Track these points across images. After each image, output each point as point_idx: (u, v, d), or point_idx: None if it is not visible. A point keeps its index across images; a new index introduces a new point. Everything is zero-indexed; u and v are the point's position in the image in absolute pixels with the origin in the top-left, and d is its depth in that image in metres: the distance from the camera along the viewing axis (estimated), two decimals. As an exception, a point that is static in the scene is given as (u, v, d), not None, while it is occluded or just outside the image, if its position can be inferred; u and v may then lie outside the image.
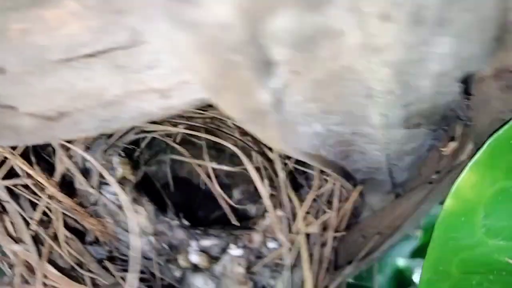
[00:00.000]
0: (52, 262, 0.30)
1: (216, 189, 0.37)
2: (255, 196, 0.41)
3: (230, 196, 0.44)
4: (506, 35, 0.22)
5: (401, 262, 0.84)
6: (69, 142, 0.30)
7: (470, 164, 0.22)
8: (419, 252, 0.77)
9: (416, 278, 0.89)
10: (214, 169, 0.40)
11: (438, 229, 0.23)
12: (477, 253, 0.22)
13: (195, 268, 0.34)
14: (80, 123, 0.20)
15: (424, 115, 0.26)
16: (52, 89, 0.18)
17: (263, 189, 0.34)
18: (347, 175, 0.35)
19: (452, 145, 0.30)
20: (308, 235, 0.37)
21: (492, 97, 0.26)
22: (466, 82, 0.26)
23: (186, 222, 0.37)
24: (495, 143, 0.22)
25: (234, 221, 0.39)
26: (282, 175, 0.37)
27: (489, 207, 0.22)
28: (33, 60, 0.17)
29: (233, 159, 0.45)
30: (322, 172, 0.36)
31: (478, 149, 0.31)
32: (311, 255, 0.35)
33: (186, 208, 0.43)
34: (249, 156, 0.37)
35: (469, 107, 0.27)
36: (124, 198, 0.33)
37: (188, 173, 0.49)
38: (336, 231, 0.39)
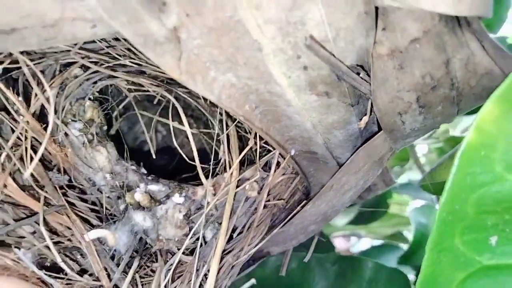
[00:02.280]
0: (14, 179, 0.36)
1: (175, 145, 0.42)
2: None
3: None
4: (383, 18, 0.26)
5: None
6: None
7: (492, 97, 0.21)
8: (406, 259, 0.80)
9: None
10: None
11: (458, 164, 0.22)
12: (494, 190, 0.22)
13: (138, 205, 0.39)
14: (26, 38, 0.25)
15: (327, 82, 0.30)
16: (5, 7, 0.24)
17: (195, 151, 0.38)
18: (284, 148, 0.39)
19: (365, 119, 0.34)
20: (247, 197, 0.41)
21: (389, 75, 0.29)
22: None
23: (143, 170, 0.42)
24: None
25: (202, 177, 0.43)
26: (233, 140, 0.42)
27: (510, 142, 0.21)
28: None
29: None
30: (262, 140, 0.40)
31: (379, 125, 0.35)
32: (239, 211, 0.39)
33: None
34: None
35: (370, 84, 0.30)
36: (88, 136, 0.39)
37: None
38: (280, 199, 0.44)
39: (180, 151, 0.43)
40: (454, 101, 0.30)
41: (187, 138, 0.47)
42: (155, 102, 0.49)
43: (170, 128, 0.46)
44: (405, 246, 0.88)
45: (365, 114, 0.34)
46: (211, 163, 0.40)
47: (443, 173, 0.48)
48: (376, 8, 0.26)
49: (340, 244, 1.22)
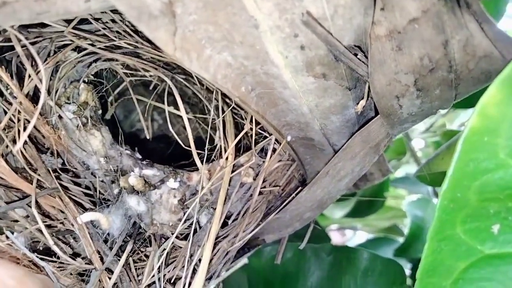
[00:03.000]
0: (7, 161, 0.36)
1: (171, 132, 0.42)
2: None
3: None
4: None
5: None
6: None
7: (496, 82, 0.20)
8: (401, 252, 0.79)
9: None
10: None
11: (460, 149, 0.21)
12: (498, 176, 0.21)
13: (132, 189, 0.38)
14: (18, 12, 0.25)
15: (324, 63, 0.30)
16: None
17: (191, 137, 0.38)
18: (280, 133, 0.38)
19: (362, 102, 0.33)
20: (242, 183, 0.41)
21: (387, 57, 0.29)
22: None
23: (138, 155, 0.42)
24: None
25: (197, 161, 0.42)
26: (229, 126, 0.42)
27: None
28: None
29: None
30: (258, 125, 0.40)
31: (376, 108, 0.34)
32: (234, 197, 0.38)
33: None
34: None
35: (368, 67, 0.30)
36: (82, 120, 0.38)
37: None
38: (276, 185, 0.43)
39: (176, 137, 0.43)
40: (452, 84, 0.30)
41: (184, 127, 0.47)
42: (151, 87, 0.49)
43: (166, 117, 0.46)
44: (400, 239, 0.88)
45: (362, 99, 0.33)
46: (206, 148, 0.39)
47: (440, 163, 0.48)
48: (375, -13, 0.25)
49: (335, 238, 1.22)
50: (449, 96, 0.31)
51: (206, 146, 0.39)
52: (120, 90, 0.49)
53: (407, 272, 0.93)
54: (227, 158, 0.39)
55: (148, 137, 0.53)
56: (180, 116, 0.48)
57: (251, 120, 0.39)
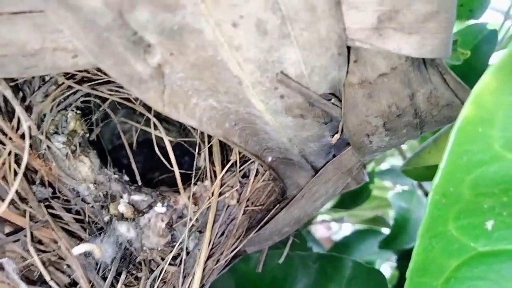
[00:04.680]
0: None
1: (157, 153, 0.44)
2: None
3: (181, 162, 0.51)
4: (355, 52, 0.28)
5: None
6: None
7: (491, 69, 0.19)
8: (387, 244, 0.80)
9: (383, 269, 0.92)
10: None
11: (454, 141, 0.20)
12: (492, 170, 0.20)
13: (122, 216, 0.40)
14: (6, 66, 0.26)
15: (302, 107, 0.32)
16: None
17: (174, 162, 0.40)
18: (260, 157, 0.41)
19: (336, 136, 0.36)
20: (226, 205, 0.44)
21: (358, 102, 0.32)
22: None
23: (126, 178, 0.44)
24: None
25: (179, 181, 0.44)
26: (216, 149, 0.44)
27: (509, 117, 0.19)
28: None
29: (188, 132, 0.53)
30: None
31: (348, 143, 0.37)
32: (217, 220, 0.41)
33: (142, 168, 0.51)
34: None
35: (341, 109, 0.32)
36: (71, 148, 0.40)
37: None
38: (258, 204, 0.46)
39: (162, 158, 0.45)
40: (418, 127, 0.33)
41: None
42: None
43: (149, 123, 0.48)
44: (386, 231, 0.89)
45: (337, 130, 0.36)
46: (193, 173, 0.41)
47: (427, 157, 0.48)
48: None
49: (321, 232, 1.25)
50: (415, 134, 0.34)
51: (194, 172, 0.41)
52: (102, 108, 0.51)
53: (393, 264, 0.95)
54: (214, 186, 0.41)
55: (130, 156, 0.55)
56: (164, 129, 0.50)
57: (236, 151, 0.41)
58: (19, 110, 0.34)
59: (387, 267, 1.02)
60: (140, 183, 0.48)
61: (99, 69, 0.37)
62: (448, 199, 0.21)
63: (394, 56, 0.28)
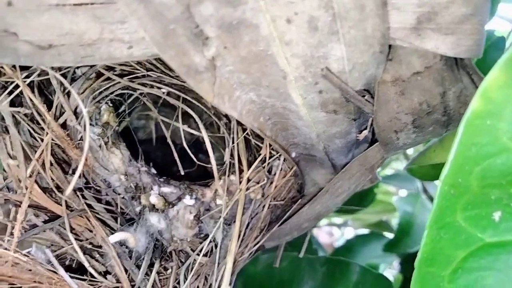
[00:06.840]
0: (36, 182, 0.38)
1: (185, 147, 0.45)
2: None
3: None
4: (392, 51, 0.30)
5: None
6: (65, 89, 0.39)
7: (499, 63, 0.19)
8: (391, 247, 0.80)
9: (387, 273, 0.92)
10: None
11: (462, 133, 0.20)
12: (500, 161, 0.20)
13: (153, 207, 0.42)
14: (63, 55, 0.27)
15: (337, 103, 0.34)
16: (45, 25, 0.26)
17: (213, 157, 0.41)
18: (287, 151, 0.42)
19: (365, 132, 0.38)
20: (251, 199, 0.45)
21: (390, 99, 0.33)
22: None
23: (153, 171, 0.45)
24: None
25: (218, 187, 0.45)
26: (241, 145, 0.46)
27: None
28: (34, 1, 0.25)
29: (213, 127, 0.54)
30: (271, 147, 0.44)
31: (374, 141, 0.39)
32: (245, 214, 0.42)
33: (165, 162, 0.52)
34: (212, 126, 0.45)
35: (373, 105, 0.34)
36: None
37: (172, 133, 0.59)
38: (279, 200, 0.47)
39: (190, 152, 0.46)
40: (444, 124, 0.34)
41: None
42: (159, 104, 0.52)
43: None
44: (389, 235, 0.89)
45: (365, 127, 0.38)
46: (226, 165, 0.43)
47: (432, 156, 0.48)
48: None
49: (323, 238, 1.26)
50: (440, 132, 0.36)
51: (225, 166, 0.43)
52: (131, 100, 0.52)
53: (397, 267, 0.95)
54: (242, 179, 0.43)
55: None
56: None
57: (266, 145, 0.43)
58: (77, 98, 0.36)
59: (388, 274, 1.03)
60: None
61: (139, 63, 0.38)
62: (457, 190, 0.21)
63: (430, 55, 0.29)
